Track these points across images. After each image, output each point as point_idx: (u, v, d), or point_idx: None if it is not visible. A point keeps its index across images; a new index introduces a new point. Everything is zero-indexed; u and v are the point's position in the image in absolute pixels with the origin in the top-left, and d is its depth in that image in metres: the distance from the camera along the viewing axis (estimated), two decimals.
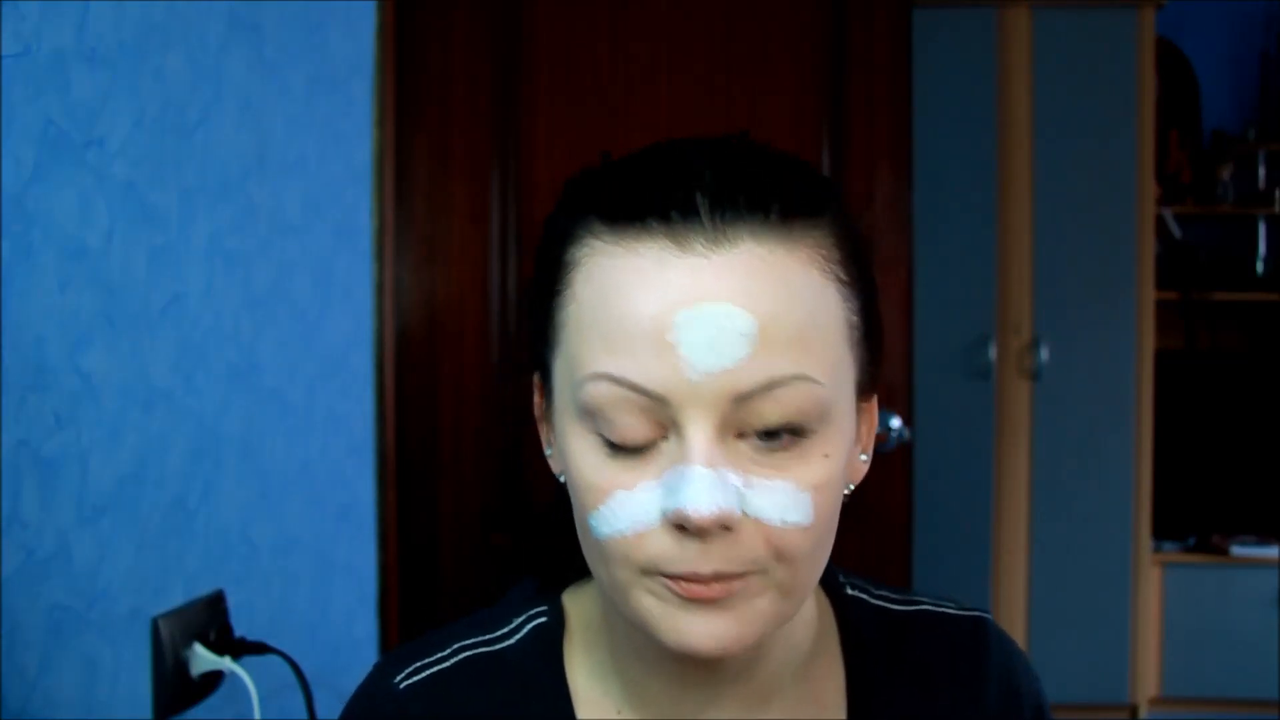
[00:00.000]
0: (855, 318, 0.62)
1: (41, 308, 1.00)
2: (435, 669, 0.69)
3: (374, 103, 1.79)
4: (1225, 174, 3.83)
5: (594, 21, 1.94)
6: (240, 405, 1.36)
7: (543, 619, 0.71)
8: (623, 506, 0.59)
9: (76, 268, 1.05)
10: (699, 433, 0.57)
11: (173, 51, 1.21)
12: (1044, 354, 3.21)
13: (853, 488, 0.67)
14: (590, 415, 0.59)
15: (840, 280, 0.61)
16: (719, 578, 0.58)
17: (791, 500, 0.58)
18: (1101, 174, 3.22)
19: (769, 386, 0.57)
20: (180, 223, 1.23)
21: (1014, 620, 3.22)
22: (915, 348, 2.09)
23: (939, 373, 3.16)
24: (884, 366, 0.68)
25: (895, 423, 1.81)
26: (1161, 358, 3.31)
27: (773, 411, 0.58)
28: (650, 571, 0.59)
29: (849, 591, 0.75)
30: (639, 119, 1.93)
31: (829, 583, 0.75)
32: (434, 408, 1.96)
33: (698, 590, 0.58)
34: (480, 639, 0.71)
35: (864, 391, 0.65)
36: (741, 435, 0.58)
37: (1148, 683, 3.33)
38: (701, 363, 0.56)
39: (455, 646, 0.70)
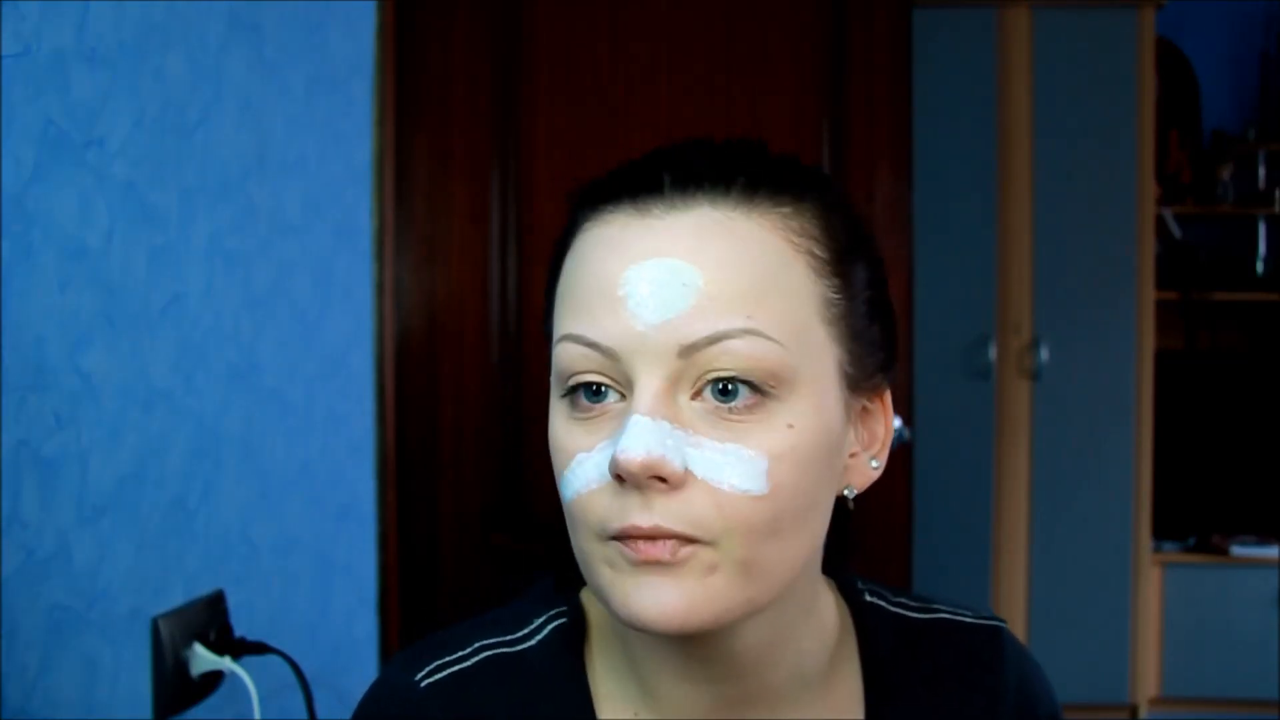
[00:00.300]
0: (834, 295, 0.62)
1: (41, 308, 1.00)
2: (456, 668, 0.68)
3: (374, 103, 1.79)
4: (1225, 174, 3.83)
5: (594, 21, 1.94)
6: (240, 405, 1.36)
7: (562, 619, 0.71)
8: (581, 466, 0.60)
9: (76, 268, 1.05)
10: (646, 386, 0.58)
11: (173, 51, 1.21)
12: (1044, 354, 3.21)
13: (855, 492, 0.66)
14: (562, 380, 0.61)
15: (814, 255, 0.61)
16: (660, 534, 0.57)
17: (744, 465, 0.57)
18: (1101, 174, 3.22)
19: (716, 339, 0.57)
20: (180, 223, 1.23)
21: (1014, 620, 3.22)
22: (915, 348, 2.09)
23: (939, 373, 3.16)
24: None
25: (895, 423, 1.81)
26: (1161, 358, 3.31)
27: (724, 362, 0.58)
28: (603, 536, 0.59)
29: (867, 598, 0.74)
30: (639, 119, 1.93)
31: (847, 589, 0.75)
32: (434, 408, 1.96)
33: (643, 548, 0.57)
34: (501, 639, 0.70)
35: (861, 384, 0.64)
36: (699, 396, 0.58)
37: (1148, 683, 3.33)
38: (648, 314, 0.58)
39: (476, 645, 0.69)
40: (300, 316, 1.53)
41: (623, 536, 0.58)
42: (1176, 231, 3.70)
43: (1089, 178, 3.21)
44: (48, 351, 1.01)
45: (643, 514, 0.57)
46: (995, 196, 3.21)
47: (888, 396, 0.68)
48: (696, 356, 0.58)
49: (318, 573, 1.59)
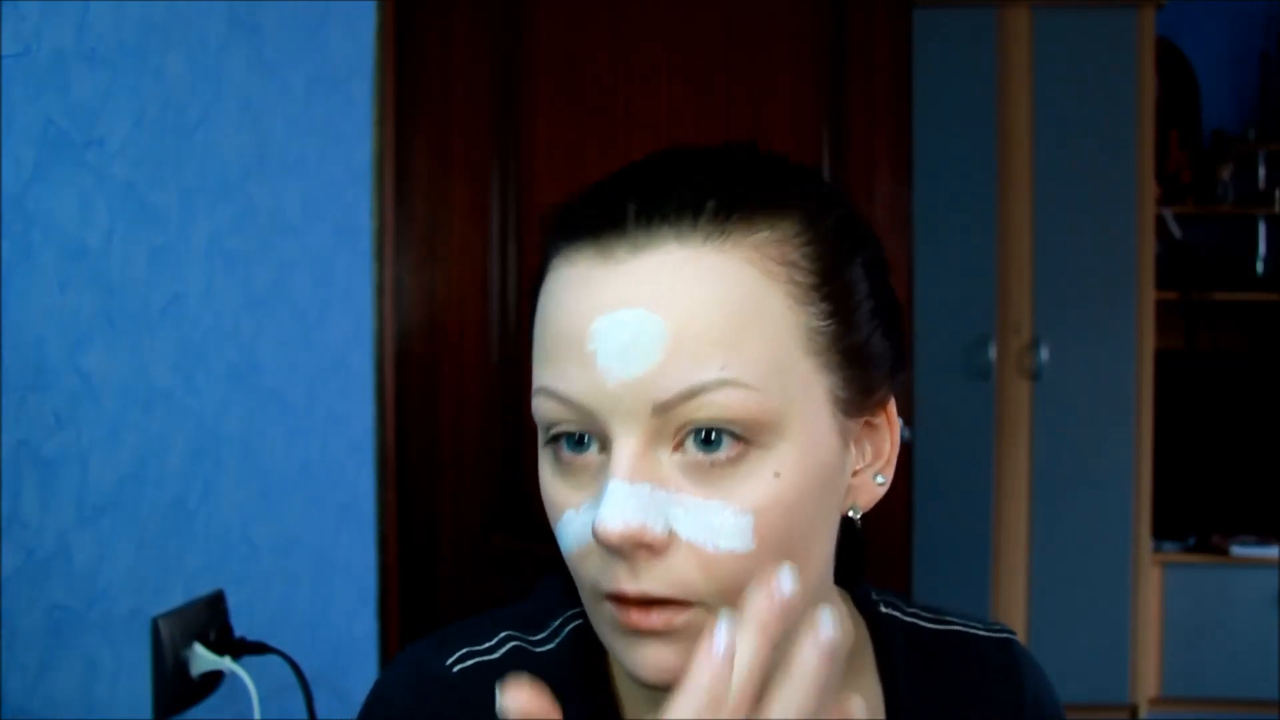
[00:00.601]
0: (821, 323, 0.58)
1: (41, 308, 1.00)
2: (484, 658, 0.67)
3: (374, 103, 1.79)
4: (1225, 174, 3.83)
5: (594, 22, 1.94)
6: (240, 405, 1.36)
7: (578, 620, 0.69)
8: (570, 525, 0.59)
9: (76, 268, 1.05)
10: (624, 446, 0.55)
11: (173, 51, 1.21)
12: (1044, 354, 3.21)
13: (860, 511, 0.64)
14: (543, 429, 0.59)
15: (795, 283, 0.58)
16: (649, 600, 0.56)
17: (727, 523, 0.55)
18: (1101, 174, 3.22)
19: (691, 394, 0.54)
20: (180, 223, 1.23)
21: (1014, 620, 3.22)
22: (915, 348, 2.09)
23: (939, 373, 3.16)
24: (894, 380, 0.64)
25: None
26: (1161, 358, 3.31)
27: (703, 414, 0.55)
28: (598, 594, 0.58)
29: (882, 609, 0.74)
30: (639, 120, 1.93)
31: (862, 601, 0.74)
32: (434, 408, 1.96)
33: (636, 619, 0.56)
34: (524, 635, 0.69)
35: (860, 406, 0.61)
36: (680, 448, 0.56)
37: (1148, 683, 3.33)
38: (618, 370, 0.55)
39: (503, 635, 0.68)
40: (300, 316, 1.53)
41: (613, 599, 0.57)
42: (1176, 231, 3.70)
43: (1089, 178, 3.21)
44: (48, 351, 1.01)
45: (629, 581, 0.56)
46: (995, 196, 3.22)
47: (892, 408, 0.64)
48: (672, 413, 0.55)
49: (318, 573, 1.59)
